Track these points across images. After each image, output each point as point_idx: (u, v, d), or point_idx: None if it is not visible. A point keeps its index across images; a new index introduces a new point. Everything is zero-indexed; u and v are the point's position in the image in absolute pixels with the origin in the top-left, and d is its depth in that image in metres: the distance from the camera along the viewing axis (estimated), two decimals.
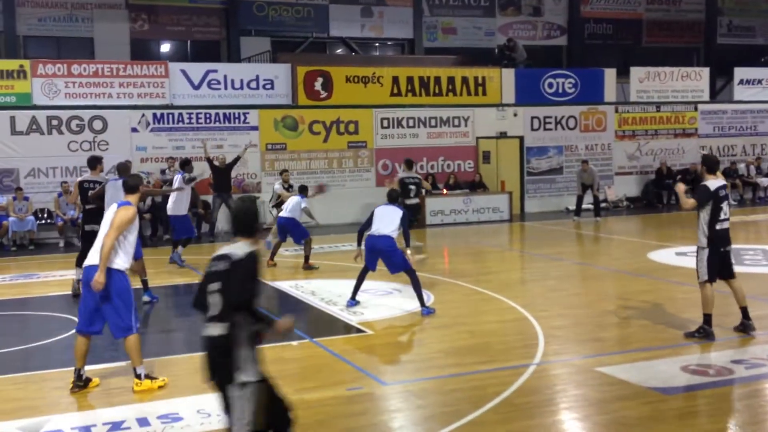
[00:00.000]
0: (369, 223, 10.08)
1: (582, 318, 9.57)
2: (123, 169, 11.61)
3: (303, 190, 13.86)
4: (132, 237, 6.99)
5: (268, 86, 19.80)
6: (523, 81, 22.17)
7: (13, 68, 17.84)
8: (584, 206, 20.43)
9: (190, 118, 18.83)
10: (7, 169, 17.38)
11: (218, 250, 4.65)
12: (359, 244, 10.19)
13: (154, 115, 18.51)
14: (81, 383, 7.03)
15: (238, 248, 4.51)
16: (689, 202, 8.35)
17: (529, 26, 28.10)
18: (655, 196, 23.00)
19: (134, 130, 18.35)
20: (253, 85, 19.66)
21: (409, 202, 14.74)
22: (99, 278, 6.66)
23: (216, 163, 17.52)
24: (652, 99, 23.57)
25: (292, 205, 13.50)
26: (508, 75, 22.08)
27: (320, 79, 20.15)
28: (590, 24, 28.91)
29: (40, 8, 22.29)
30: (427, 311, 9.63)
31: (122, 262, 6.91)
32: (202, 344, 4.56)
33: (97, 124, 18.03)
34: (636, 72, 23.59)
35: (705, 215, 8.30)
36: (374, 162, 20.54)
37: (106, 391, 7.07)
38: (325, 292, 11.20)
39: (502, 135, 21.74)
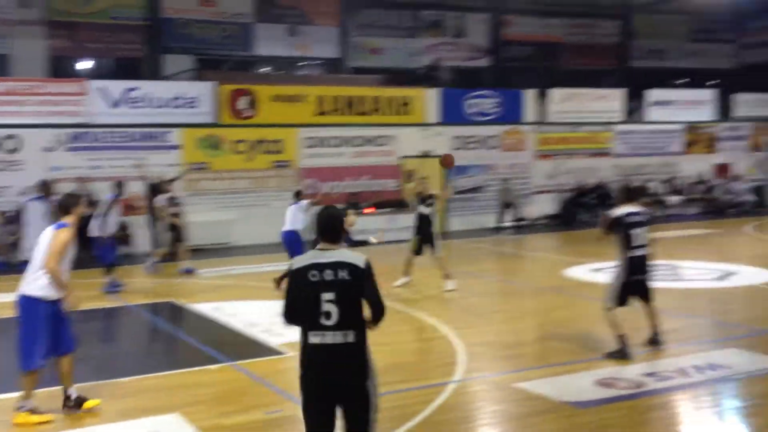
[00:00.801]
0: None
1: (501, 334, 9.76)
2: (43, 187, 11.37)
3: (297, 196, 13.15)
4: (66, 263, 6.70)
5: (192, 105, 19.56)
6: (447, 101, 22.51)
7: None
8: (505, 224, 20.81)
9: (109, 137, 18.41)
10: None
11: (312, 257, 4.60)
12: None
13: (72, 134, 18.04)
14: (71, 403, 6.85)
15: (349, 256, 4.59)
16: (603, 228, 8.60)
17: (453, 47, 28.59)
18: (571, 214, 23.58)
19: (49, 149, 17.81)
20: (176, 103, 19.39)
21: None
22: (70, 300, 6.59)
23: (153, 182, 17.12)
24: (570, 119, 24.27)
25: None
26: (432, 95, 22.41)
27: (245, 98, 20.03)
28: (512, 46, 29.61)
29: None
30: None
31: (49, 289, 6.58)
32: (321, 353, 4.49)
33: (11, 144, 17.46)
34: (555, 93, 24.26)
35: (619, 242, 8.53)
36: (300, 181, 20.48)
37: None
38: (246, 314, 11.09)
39: (426, 154, 21.99)
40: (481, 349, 8.98)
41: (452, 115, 22.45)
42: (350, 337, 4.51)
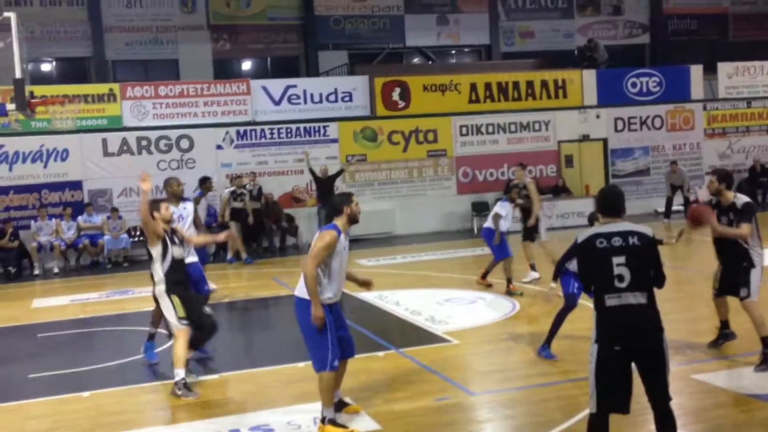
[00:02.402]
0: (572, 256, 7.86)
1: (676, 324, 9.24)
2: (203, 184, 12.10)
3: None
4: (335, 263, 6.19)
5: (347, 98, 20.00)
6: (605, 82, 21.69)
7: (103, 92, 18.59)
8: (674, 208, 19.77)
9: (272, 134, 19.21)
10: (100, 189, 18.09)
11: (606, 226, 5.00)
12: (556, 279, 8.02)
13: (238, 131, 18.97)
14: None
15: (636, 226, 5.00)
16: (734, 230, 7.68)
17: (609, 26, 27.51)
18: (750, 195, 22.05)
19: (219, 147, 18.84)
20: (332, 98, 19.90)
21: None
22: (315, 313, 6.01)
23: (318, 174, 17.80)
24: (742, 95, 22.69)
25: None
26: (590, 76, 21.65)
27: (398, 89, 20.22)
28: (673, 20, 28.08)
29: (127, 33, 23.15)
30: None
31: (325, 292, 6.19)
32: (618, 314, 4.83)
33: (184, 143, 18.59)
34: (724, 68, 22.76)
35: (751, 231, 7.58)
36: (455, 170, 20.45)
37: (204, 402, 7.23)
38: (409, 303, 11.19)
39: (585, 138, 21.32)
40: None
41: (612, 96, 21.60)
42: (643, 298, 4.85)
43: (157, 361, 8.54)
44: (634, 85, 21.91)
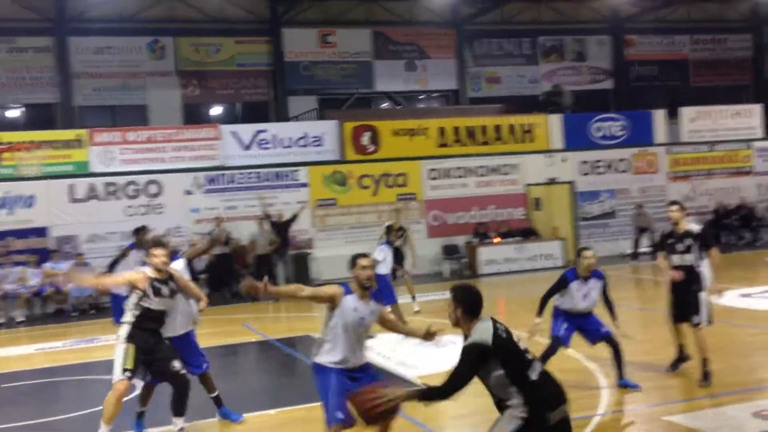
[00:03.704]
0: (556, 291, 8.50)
1: (646, 366, 9.29)
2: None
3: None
4: (339, 326, 5.94)
5: (317, 143, 20.09)
6: (571, 126, 22.08)
7: (70, 138, 18.48)
8: (641, 249, 20.03)
9: (242, 178, 19.18)
10: (67, 236, 17.84)
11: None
12: (540, 314, 8.33)
13: (207, 177, 18.91)
14: None
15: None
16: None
17: (573, 71, 28.09)
18: (714, 237, 22.45)
19: (188, 192, 18.74)
20: (302, 142, 19.98)
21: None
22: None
23: (274, 219, 17.77)
24: (704, 138, 23.21)
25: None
26: (556, 121, 22.03)
27: (367, 134, 20.38)
28: (635, 67, 28.78)
29: (94, 79, 23.11)
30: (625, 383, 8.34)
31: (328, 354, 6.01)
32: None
33: (153, 189, 18.47)
34: (686, 112, 23.31)
35: None
36: (425, 213, 20.55)
37: None
38: (380, 347, 11.10)
39: (552, 181, 21.59)
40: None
41: (578, 140, 21.97)
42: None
43: None
44: (599, 129, 22.32)
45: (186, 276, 7.79)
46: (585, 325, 8.49)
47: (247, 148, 19.54)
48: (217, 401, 7.91)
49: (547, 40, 27.86)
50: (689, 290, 8.25)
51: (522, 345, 4.74)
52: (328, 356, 5.92)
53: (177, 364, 7.17)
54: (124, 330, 7.12)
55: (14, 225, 17.55)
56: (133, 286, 7.13)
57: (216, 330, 14.24)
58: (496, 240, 20.16)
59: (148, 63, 23.56)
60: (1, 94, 22.49)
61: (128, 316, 7.14)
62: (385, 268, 11.66)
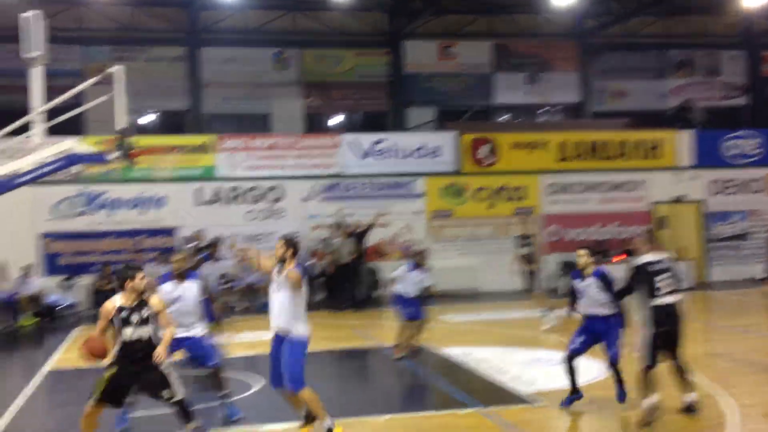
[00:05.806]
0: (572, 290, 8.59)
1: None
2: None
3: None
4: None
5: (435, 154, 20.06)
6: (703, 143, 21.11)
7: (199, 143, 19.23)
8: None
9: (358, 187, 19.39)
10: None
11: (647, 257, 7.74)
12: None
13: (325, 184, 19.22)
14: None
15: (661, 255, 7.83)
16: None
17: (704, 87, 26.84)
18: None
19: (306, 199, 19.11)
20: (420, 153, 20.00)
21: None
22: None
23: (351, 229, 17.69)
24: None
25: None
26: (685, 137, 21.11)
27: (486, 146, 20.17)
28: None
29: (223, 88, 23.96)
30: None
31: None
32: (664, 311, 7.57)
33: (273, 194, 18.97)
34: None
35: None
36: (543, 228, 20.11)
37: None
38: (494, 361, 10.90)
39: (679, 200, 20.67)
40: (756, 411, 8.03)
41: (708, 157, 20.99)
42: (678, 299, 7.61)
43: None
44: (731, 147, 21.22)
45: (196, 296, 8.08)
46: (603, 338, 8.29)
47: (365, 156, 19.73)
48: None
49: (676, 54, 26.74)
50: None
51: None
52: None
53: (166, 394, 6.65)
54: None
55: (146, 224, 18.42)
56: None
57: (328, 334, 14.40)
58: (616, 259, 19.40)
59: (272, 73, 24.22)
60: (137, 101, 23.52)
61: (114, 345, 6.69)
62: (403, 287, 11.12)
